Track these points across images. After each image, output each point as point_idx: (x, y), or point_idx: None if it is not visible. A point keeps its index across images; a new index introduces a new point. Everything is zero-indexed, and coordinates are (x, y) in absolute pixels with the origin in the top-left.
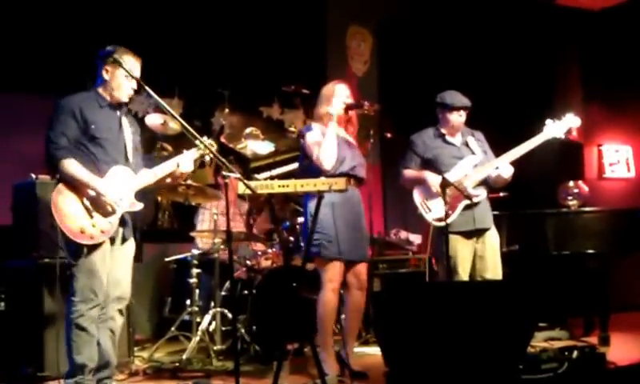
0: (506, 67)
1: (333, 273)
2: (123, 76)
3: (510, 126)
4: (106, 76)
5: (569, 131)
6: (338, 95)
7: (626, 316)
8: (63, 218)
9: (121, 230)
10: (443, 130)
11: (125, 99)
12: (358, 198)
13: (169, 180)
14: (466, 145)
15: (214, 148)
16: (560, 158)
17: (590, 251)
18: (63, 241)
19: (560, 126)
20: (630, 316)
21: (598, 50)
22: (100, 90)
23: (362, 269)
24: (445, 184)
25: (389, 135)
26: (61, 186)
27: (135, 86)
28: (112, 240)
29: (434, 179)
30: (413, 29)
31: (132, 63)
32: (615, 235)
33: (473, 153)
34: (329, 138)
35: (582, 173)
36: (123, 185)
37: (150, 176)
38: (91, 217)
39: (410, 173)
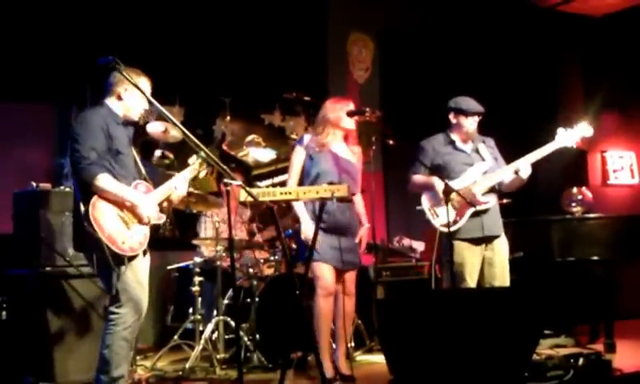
0: (509, 74)
1: (325, 279)
2: (138, 97)
3: (513, 132)
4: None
5: (580, 140)
6: (346, 110)
7: (631, 323)
8: (105, 231)
9: None
10: (454, 136)
11: (136, 118)
12: (349, 207)
13: (165, 204)
14: (477, 151)
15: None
16: (564, 165)
17: (595, 258)
18: (106, 253)
19: (572, 135)
20: (636, 323)
21: (600, 56)
22: (113, 107)
23: (349, 276)
24: (447, 190)
25: (391, 142)
26: (96, 200)
27: (147, 106)
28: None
29: (441, 185)
30: (414, 35)
31: (144, 84)
32: (620, 241)
33: (483, 159)
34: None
35: (586, 179)
36: (149, 197)
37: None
38: (128, 228)
39: (418, 178)
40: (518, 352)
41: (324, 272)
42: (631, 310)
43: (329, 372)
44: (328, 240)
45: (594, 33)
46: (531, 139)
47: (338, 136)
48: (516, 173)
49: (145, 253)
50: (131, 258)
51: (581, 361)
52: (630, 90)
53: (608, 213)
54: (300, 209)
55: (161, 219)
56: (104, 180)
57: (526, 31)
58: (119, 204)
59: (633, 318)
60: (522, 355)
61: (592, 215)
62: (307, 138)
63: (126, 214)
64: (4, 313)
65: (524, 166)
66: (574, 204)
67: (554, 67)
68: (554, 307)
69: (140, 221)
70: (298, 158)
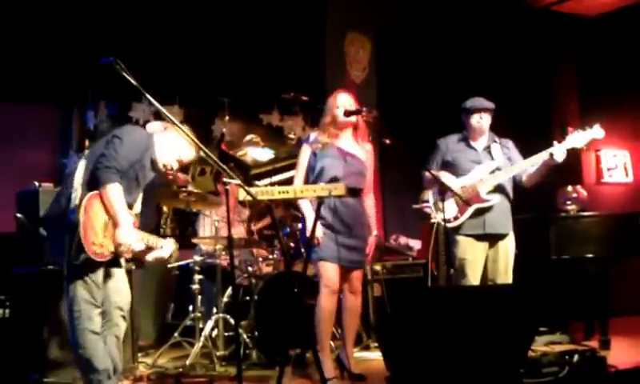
0: (504, 73)
1: (329, 277)
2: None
3: (508, 131)
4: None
5: (590, 142)
6: (339, 104)
7: (626, 320)
8: (87, 222)
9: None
10: (467, 135)
11: (159, 166)
12: (358, 205)
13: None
14: (488, 150)
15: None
16: (558, 163)
17: (590, 255)
18: (73, 243)
19: (583, 136)
20: (630, 320)
21: (594, 55)
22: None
23: (356, 274)
24: (444, 189)
25: (387, 141)
26: (94, 196)
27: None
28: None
29: (447, 180)
30: (410, 36)
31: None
32: (614, 239)
33: (492, 159)
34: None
35: (581, 178)
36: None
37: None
38: (104, 237)
39: (429, 174)
40: (514, 349)
41: (328, 270)
42: (626, 307)
43: (329, 372)
44: (334, 238)
45: (589, 32)
46: (525, 138)
47: (345, 132)
48: (551, 156)
49: (117, 263)
50: (89, 264)
51: (576, 357)
52: (624, 88)
53: (602, 211)
54: (307, 211)
55: (128, 254)
56: (115, 189)
57: (521, 31)
58: (109, 218)
59: (627, 314)
60: (517, 352)
61: (586, 213)
62: (313, 135)
63: (109, 230)
64: (8, 310)
65: (558, 151)
66: (568, 202)
67: (549, 66)
68: (549, 304)
69: (115, 246)
70: (304, 155)
